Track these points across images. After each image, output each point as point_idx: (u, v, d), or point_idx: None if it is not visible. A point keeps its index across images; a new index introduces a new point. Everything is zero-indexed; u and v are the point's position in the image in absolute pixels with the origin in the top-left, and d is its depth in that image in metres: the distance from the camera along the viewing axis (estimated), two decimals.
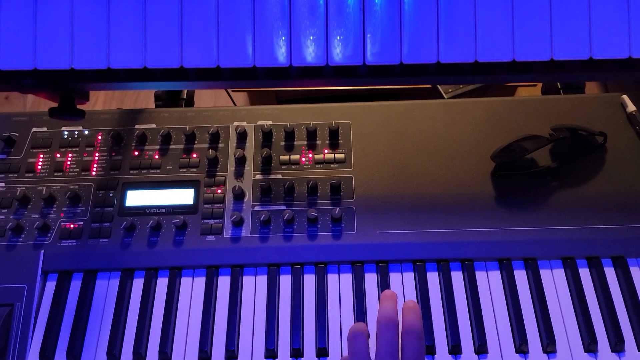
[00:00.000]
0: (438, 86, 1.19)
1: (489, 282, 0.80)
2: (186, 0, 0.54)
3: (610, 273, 0.80)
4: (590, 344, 0.74)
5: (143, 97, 1.65)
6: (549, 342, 0.74)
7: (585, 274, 0.80)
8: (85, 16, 0.54)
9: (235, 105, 1.22)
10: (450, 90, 1.21)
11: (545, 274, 0.80)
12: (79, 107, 0.63)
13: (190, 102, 1.04)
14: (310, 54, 0.55)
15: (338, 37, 0.56)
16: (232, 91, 1.27)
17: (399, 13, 0.54)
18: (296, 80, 0.56)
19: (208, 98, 1.64)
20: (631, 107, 0.89)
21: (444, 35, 0.52)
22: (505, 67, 0.54)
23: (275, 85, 0.57)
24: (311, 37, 0.56)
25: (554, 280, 0.80)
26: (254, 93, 1.30)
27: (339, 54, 0.55)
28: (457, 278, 0.81)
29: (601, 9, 0.51)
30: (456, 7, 0.53)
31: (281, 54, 0.55)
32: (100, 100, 1.63)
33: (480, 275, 0.81)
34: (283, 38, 0.55)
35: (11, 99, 1.60)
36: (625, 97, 0.90)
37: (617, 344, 0.74)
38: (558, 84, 0.99)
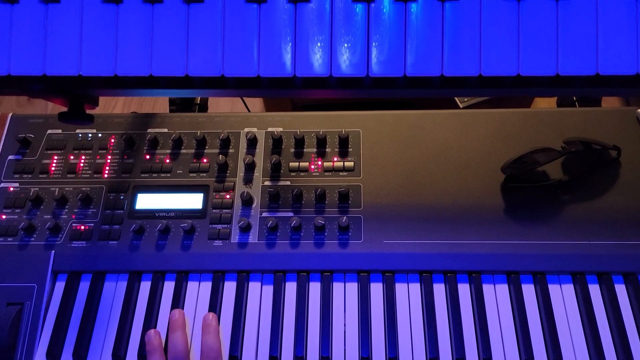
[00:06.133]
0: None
1: (496, 295, 0.79)
2: (192, 10, 0.54)
3: (620, 290, 0.79)
4: None
5: (162, 101, 1.67)
6: (555, 358, 0.73)
7: (595, 290, 0.79)
8: (93, 24, 0.55)
9: (249, 111, 1.22)
10: (465, 100, 1.21)
11: (553, 289, 0.79)
12: (88, 111, 0.64)
13: (203, 107, 1.05)
14: (317, 60, 0.55)
15: (345, 45, 0.56)
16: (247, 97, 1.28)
17: (404, 25, 0.54)
18: (300, 89, 0.56)
19: (225, 104, 1.66)
20: None
21: (448, 48, 0.52)
22: (510, 81, 0.53)
23: (279, 94, 0.57)
24: (318, 44, 0.56)
25: (562, 295, 0.79)
26: (269, 99, 1.30)
27: (345, 60, 0.55)
28: (464, 290, 0.80)
29: (608, 26, 0.50)
30: (461, 22, 0.52)
31: (286, 64, 0.55)
32: (119, 104, 1.66)
33: (487, 288, 0.80)
34: (289, 46, 0.55)
35: (33, 101, 1.64)
36: None
37: None
38: (574, 96, 0.97)
